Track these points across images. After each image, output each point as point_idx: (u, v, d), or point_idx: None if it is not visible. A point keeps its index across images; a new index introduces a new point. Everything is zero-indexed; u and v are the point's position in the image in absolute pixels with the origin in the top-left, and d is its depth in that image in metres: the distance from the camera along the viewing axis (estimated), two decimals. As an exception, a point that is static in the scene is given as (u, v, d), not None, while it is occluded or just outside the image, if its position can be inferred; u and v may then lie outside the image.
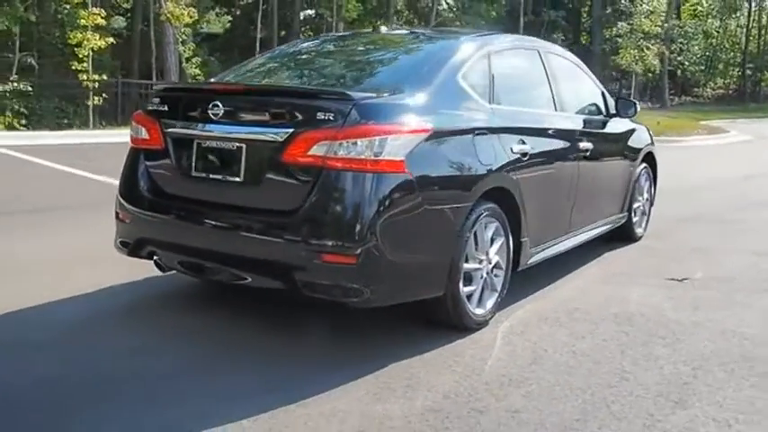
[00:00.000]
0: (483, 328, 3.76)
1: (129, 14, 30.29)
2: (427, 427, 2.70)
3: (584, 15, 41.39)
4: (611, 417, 2.81)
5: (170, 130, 3.55)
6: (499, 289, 3.89)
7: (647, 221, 6.21)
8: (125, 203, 3.72)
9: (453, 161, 3.43)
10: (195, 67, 21.41)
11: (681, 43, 35.74)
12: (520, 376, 3.18)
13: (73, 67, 17.57)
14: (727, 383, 3.17)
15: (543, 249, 4.40)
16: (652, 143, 6.09)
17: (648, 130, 6.29)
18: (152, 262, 3.72)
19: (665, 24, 25.46)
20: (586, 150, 4.75)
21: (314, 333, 3.66)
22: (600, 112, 5.34)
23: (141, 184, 3.68)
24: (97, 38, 17.82)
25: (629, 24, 22.07)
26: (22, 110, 16.99)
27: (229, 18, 35.65)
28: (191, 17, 21.60)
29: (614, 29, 23.99)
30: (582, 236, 4.97)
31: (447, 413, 2.81)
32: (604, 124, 5.31)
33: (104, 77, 18.36)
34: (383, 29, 4.44)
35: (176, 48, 21.55)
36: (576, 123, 4.73)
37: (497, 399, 2.95)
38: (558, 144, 4.44)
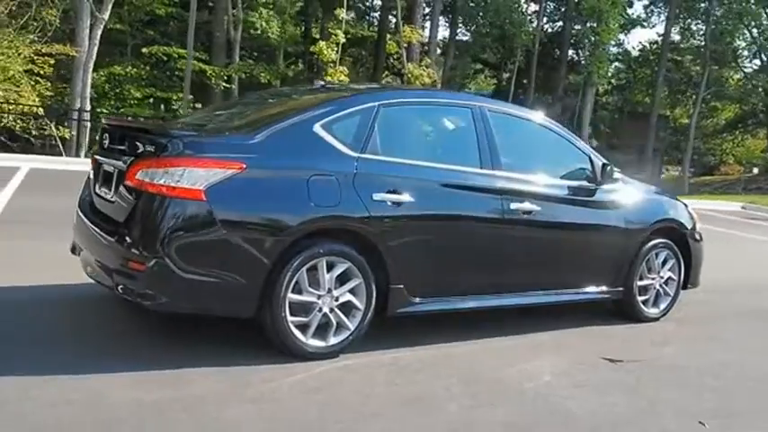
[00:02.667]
0: (328, 360, 3.97)
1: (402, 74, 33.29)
2: (126, 410, 3.12)
3: None
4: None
5: (95, 155, 4.43)
6: (352, 328, 4.07)
7: (670, 303, 5.64)
8: (76, 212, 4.64)
9: (272, 198, 3.78)
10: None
11: None
12: (270, 398, 3.43)
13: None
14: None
15: (444, 302, 4.46)
16: (676, 218, 5.57)
17: (687, 208, 5.80)
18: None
19: None
20: (529, 212, 4.67)
21: (167, 334, 4.24)
22: (587, 179, 5.13)
23: (83, 197, 4.58)
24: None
25: None
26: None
27: (494, 81, 37.15)
28: (429, 77, 23.21)
29: None
30: (526, 299, 4.83)
31: (162, 407, 3.19)
32: (589, 192, 5.10)
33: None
34: (320, 83, 4.89)
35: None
36: (513, 183, 4.63)
37: (219, 408, 3.25)
38: (470, 200, 4.46)
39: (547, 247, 4.87)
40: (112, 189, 4.03)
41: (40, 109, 17.52)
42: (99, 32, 16.94)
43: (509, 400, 3.69)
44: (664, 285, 5.59)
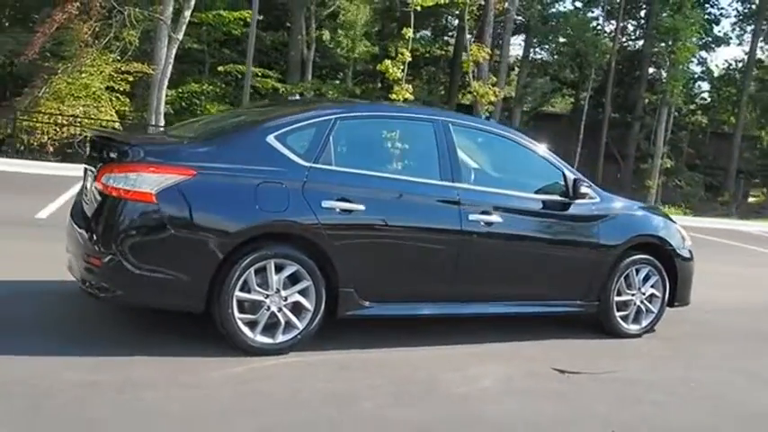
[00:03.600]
0: (276, 356, 4.23)
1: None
2: (60, 387, 3.47)
3: None
4: None
5: (84, 163, 4.87)
6: (301, 327, 4.31)
7: (653, 320, 5.60)
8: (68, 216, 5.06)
9: (219, 202, 4.08)
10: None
11: None
12: (199, 386, 3.72)
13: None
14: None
15: (396, 308, 4.66)
16: (659, 235, 5.56)
17: (675, 225, 5.77)
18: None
19: None
20: (490, 224, 4.80)
21: (139, 327, 4.60)
22: (560, 193, 5.20)
23: (75, 203, 5.00)
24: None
25: None
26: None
27: (571, 100, 36.60)
28: (495, 96, 23.23)
29: None
30: (487, 308, 4.96)
31: (97, 387, 3.52)
32: (560, 205, 5.17)
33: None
34: (297, 96, 5.18)
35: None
36: (473, 195, 4.75)
37: (150, 391, 3.56)
38: (425, 210, 4.64)
39: (510, 259, 4.97)
40: (90, 192, 4.45)
41: (117, 123, 18.65)
42: (174, 51, 17.90)
43: (430, 401, 3.84)
44: (646, 302, 5.56)
